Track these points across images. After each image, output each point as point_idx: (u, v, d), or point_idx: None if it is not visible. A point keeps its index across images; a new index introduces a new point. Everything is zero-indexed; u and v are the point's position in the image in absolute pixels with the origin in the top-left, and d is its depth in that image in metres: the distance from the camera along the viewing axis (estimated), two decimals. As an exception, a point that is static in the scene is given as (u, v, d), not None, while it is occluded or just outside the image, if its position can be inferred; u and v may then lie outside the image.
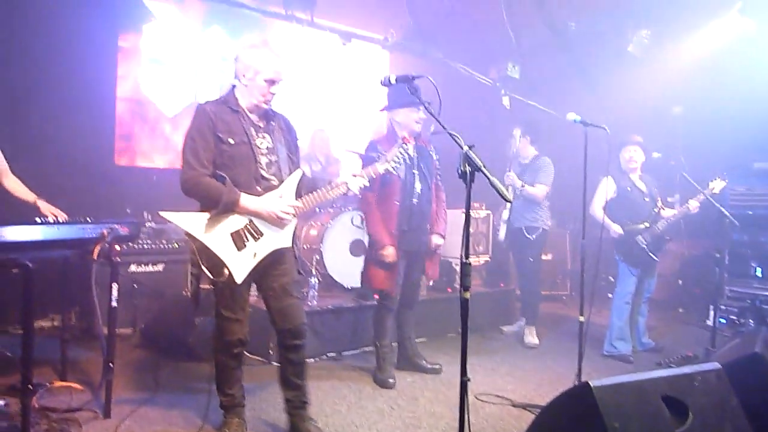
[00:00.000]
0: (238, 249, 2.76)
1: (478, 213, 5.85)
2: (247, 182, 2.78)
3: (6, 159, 3.73)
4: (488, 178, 2.10)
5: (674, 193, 6.41)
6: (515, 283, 5.98)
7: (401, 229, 3.87)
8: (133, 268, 4.83)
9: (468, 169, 2.09)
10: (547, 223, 5.28)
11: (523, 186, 5.12)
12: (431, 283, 5.23)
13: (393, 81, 2.62)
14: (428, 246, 4.07)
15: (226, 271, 2.73)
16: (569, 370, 4.27)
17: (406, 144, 3.03)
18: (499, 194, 2.06)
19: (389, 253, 3.82)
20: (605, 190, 4.77)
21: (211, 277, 2.75)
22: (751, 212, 5.87)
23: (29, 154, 4.57)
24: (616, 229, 4.80)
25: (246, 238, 2.77)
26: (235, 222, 2.77)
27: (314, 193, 2.89)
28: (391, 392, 3.82)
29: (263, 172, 2.82)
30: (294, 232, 2.94)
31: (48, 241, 3.04)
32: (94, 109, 5.75)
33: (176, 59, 6.42)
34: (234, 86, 2.89)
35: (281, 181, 2.88)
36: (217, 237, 2.74)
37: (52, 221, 3.37)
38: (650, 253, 4.76)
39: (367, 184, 2.98)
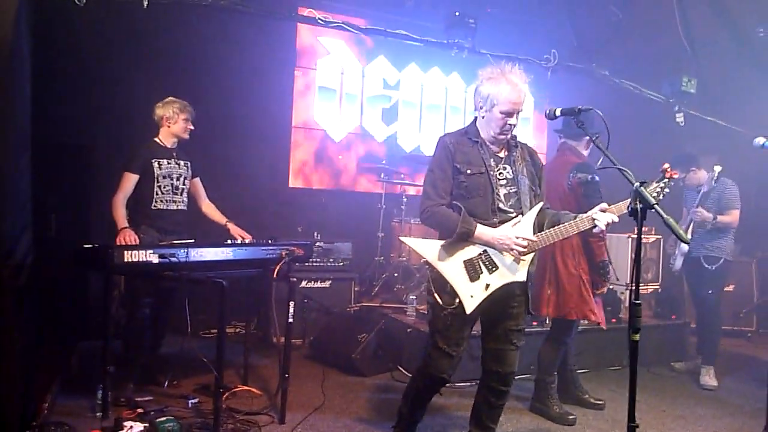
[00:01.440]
0: (471, 279, 2.73)
1: (647, 238, 5.47)
2: (483, 213, 2.75)
3: (203, 186, 4.29)
4: (662, 217, 2.00)
5: None
6: (690, 315, 5.49)
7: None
8: (303, 283, 5.23)
9: (639, 206, 2.01)
10: (730, 253, 4.79)
11: (715, 218, 4.69)
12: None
13: (558, 114, 2.58)
14: None
15: (457, 301, 2.73)
16: (755, 420, 3.83)
17: (670, 178, 2.54)
18: (676, 235, 1.96)
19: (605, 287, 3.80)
20: None
21: (441, 304, 2.75)
22: None
23: (217, 181, 5.21)
24: None
25: (480, 269, 2.73)
26: (469, 251, 2.75)
27: (556, 228, 2.72)
28: (551, 426, 3.71)
29: (500, 204, 2.76)
30: (529, 268, 2.79)
31: (237, 261, 3.46)
32: (272, 138, 6.39)
33: (344, 88, 6.89)
34: (476, 118, 2.91)
35: (521, 214, 2.77)
36: (451, 265, 2.75)
37: (239, 242, 3.81)
38: None
39: (617, 220, 2.64)
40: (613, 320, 5.21)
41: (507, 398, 2.93)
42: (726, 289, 6.11)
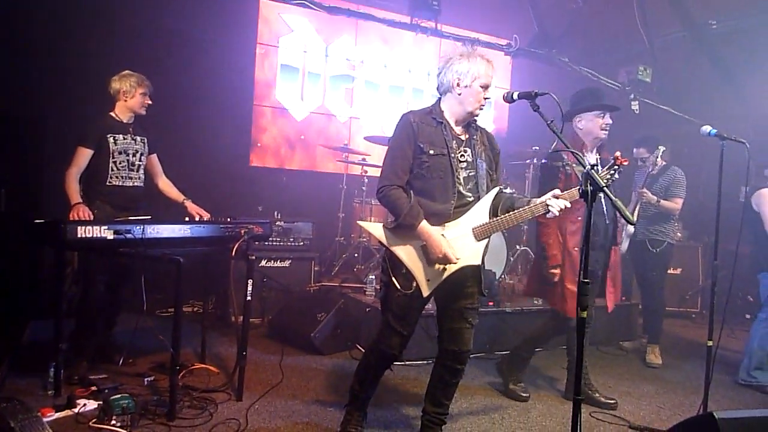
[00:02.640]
0: (429, 263, 2.75)
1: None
2: (442, 195, 2.76)
3: (161, 162, 4.21)
4: (611, 199, 2.08)
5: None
6: (636, 297, 5.71)
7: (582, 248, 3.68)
8: (263, 263, 5.21)
9: (590, 188, 2.08)
10: (673, 237, 4.99)
11: (658, 201, 4.87)
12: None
13: (515, 97, 2.62)
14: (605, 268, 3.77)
15: (414, 284, 2.75)
16: (695, 396, 4.04)
17: (620, 165, 2.64)
18: (623, 217, 2.03)
19: (556, 271, 3.63)
20: None
21: (399, 287, 2.76)
22: None
23: (175, 158, 5.11)
24: None
25: None
26: None
27: (510, 214, 2.75)
28: (504, 401, 3.83)
29: (460, 187, 2.78)
30: (484, 251, 2.83)
31: (195, 239, 3.42)
32: (233, 115, 6.29)
33: (307, 67, 6.83)
34: (439, 98, 2.89)
35: (478, 198, 2.82)
36: (409, 249, 2.77)
37: (197, 220, 3.77)
38: None
39: (569, 206, 2.69)
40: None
41: (461, 376, 2.99)
42: (673, 272, 6.39)
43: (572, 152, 2.23)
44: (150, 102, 3.97)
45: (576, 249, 3.62)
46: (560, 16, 6.88)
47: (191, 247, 3.55)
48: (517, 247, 6.03)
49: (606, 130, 3.63)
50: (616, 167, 2.64)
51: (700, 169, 5.14)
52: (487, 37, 6.41)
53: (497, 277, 5.29)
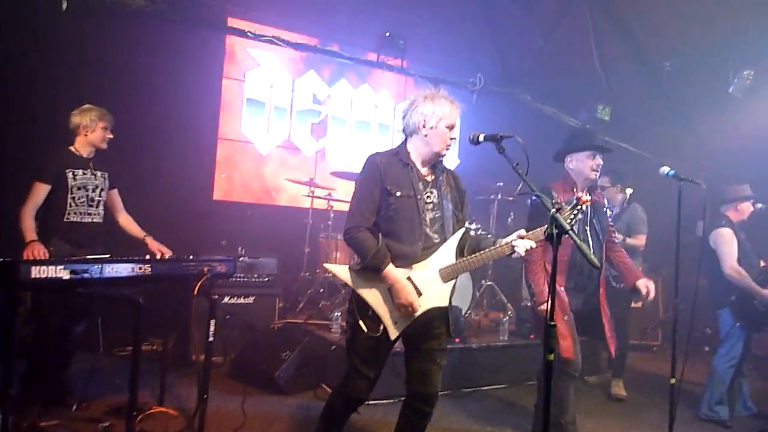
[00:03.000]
0: (396, 306, 2.73)
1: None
2: (409, 237, 2.75)
3: (122, 198, 4.11)
4: (575, 242, 2.11)
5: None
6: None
7: (567, 287, 3.59)
8: (226, 299, 5.09)
9: (555, 231, 2.11)
10: (637, 273, 5.09)
11: (624, 239, 4.96)
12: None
13: (481, 140, 2.65)
14: (601, 311, 3.67)
15: (381, 327, 2.73)
16: (660, 429, 4.07)
17: (581, 205, 2.67)
18: (587, 260, 2.06)
19: (543, 309, 3.43)
20: (734, 245, 4.43)
21: (366, 330, 2.73)
22: None
23: (137, 192, 5.00)
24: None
25: None
26: None
27: (477, 255, 2.76)
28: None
29: (426, 228, 2.77)
30: (452, 291, 2.84)
31: (155, 277, 3.31)
32: (197, 149, 6.23)
33: (273, 101, 6.83)
34: (405, 140, 2.89)
35: (444, 239, 2.81)
36: (375, 292, 2.75)
37: (158, 258, 3.67)
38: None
39: (534, 246, 2.69)
40: (531, 336, 5.41)
41: (430, 418, 2.94)
42: (634, 305, 6.48)
43: (537, 195, 2.26)
44: (111, 136, 3.89)
45: (563, 288, 3.56)
46: (523, 55, 7.09)
47: (152, 285, 3.44)
48: (483, 282, 6.06)
49: (597, 171, 3.60)
50: (578, 208, 2.67)
51: (658, 205, 5.27)
52: (452, 76, 6.54)
53: (463, 313, 5.29)
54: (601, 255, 3.68)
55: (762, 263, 4.58)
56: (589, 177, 3.63)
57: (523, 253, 2.66)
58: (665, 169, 3.36)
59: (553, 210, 2.11)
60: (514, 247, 2.67)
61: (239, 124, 6.63)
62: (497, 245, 2.73)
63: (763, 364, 5.97)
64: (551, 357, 2.10)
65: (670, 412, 3.23)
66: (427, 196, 2.81)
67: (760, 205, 4.61)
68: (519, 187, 2.43)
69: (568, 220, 2.58)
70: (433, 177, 2.88)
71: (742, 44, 6.33)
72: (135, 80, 5.49)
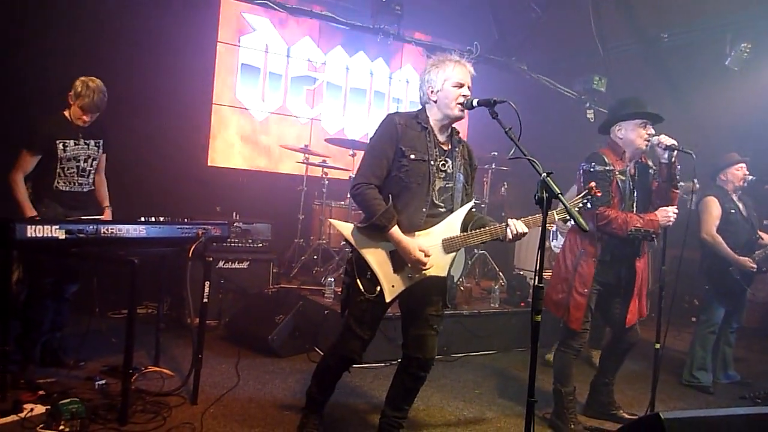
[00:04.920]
0: (395, 270, 2.74)
1: (551, 226, 5.75)
2: (416, 203, 2.73)
3: (109, 161, 4.05)
4: (565, 206, 2.14)
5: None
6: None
7: (603, 259, 3.47)
8: (220, 264, 5.14)
9: (545, 195, 2.13)
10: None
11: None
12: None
13: (474, 104, 2.66)
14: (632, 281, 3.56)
15: (378, 289, 2.74)
16: (643, 396, 4.17)
17: (593, 195, 2.70)
18: (577, 223, 2.09)
19: (660, 216, 3.35)
20: (715, 212, 4.54)
21: (362, 291, 2.74)
22: None
23: (133, 157, 4.98)
24: (744, 263, 4.44)
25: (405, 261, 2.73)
26: None
27: (475, 232, 2.74)
28: (460, 404, 3.88)
29: (434, 196, 2.76)
30: (452, 263, 2.83)
31: (150, 239, 3.34)
32: (192, 114, 6.18)
33: (268, 67, 6.78)
34: (424, 106, 2.87)
35: (451, 210, 2.81)
36: (377, 253, 2.76)
37: (154, 220, 3.68)
38: (744, 285, 4.54)
39: (526, 231, 2.63)
40: (522, 304, 5.49)
41: (423, 382, 3.00)
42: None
43: (529, 159, 2.28)
44: (87, 119, 3.71)
45: (594, 260, 3.48)
46: (520, 25, 7.03)
47: (146, 248, 3.47)
48: (475, 251, 6.12)
49: (649, 141, 3.41)
50: (589, 197, 2.73)
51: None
52: (448, 43, 6.48)
53: (455, 281, 5.36)
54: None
55: (762, 236, 4.65)
56: (641, 147, 3.45)
57: (511, 236, 2.63)
58: (656, 139, 3.38)
59: (544, 174, 2.13)
60: (508, 228, 2.64)
61: (234, 90, 6.59)
62: (495, 226, 2.72)
63: (749, 335, 6.09)
64: (538, 318, 2.14)
65: (653, 377, 3.31)
66: (442, 164, 2.78)
67: (750, 177, 4.65)
68: (511, 152, 2.46)
69: (577, 207, 2.67)
70: (449, 146, 2.85)
71: (741, 17, 6.29)
72: (128, 45, 5.42)
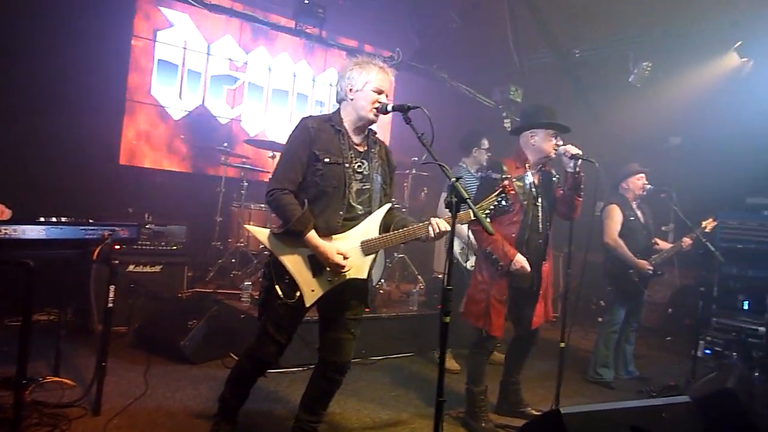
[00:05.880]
0: (314, 274, 2.72)
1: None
2: (333, 206, 2.72)
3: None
4: (472, 210, 2.21)
5: (668, 223, 6.55)
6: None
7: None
8: (130, 267, 4.92)
9: (454, 199, 2.19)
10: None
11: None
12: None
13: (389, 109, 2.69)
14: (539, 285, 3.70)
15: (297, 294, 2.71)
16: (552, 393, 4.34)
17: (506, 194, 2.78)
18: (484, 228, 2.16)
19: (519, 259, 3.47)
20: (617, 219, 4.83)
21: (281, 296, 2.71)
22: (740, 246, 5.98)
23: (39, 152, 4.68)
24: (643, 266, 4.75)
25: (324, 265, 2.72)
26: None
27: (397, 232, 2.76)
28: (376, 407, 3.90)
29: (351, 199, 2.74)
30: (372, 265, 2.85)
31: (50, 241, 3.15)
32: (103, 110, 5.89)
33: (187, 64, 6.58)
34: (339, 107, 2.86)
35: (369, 212, 2.80)
36: (295, 258, 2.72)
37: (55, 220, 3.47)
38: (641, 287, 4.86)
39: (448, 228, 2.64)
40: (439, 306, 5.58)
41: (340, 386, 3.00)
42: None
43: (440, 165, 2.33)
44: None
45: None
46: (440, 34, 7.19)
47: (46, 250, 3.27)
48: (395, 254, 6.18)
49: (557, 149, 3.56)
50: (502, 195, 2.81)
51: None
52: (371, 49, 6.55)
53: (374, 283, 5.39)
54: (548, 231, 3.73)
55: (657, 242, 5.01)
56: (549, 155, 3.61)
57: (432, 235, 2.67)
58: (563, 148, 3.55)
59: (453, 179, 2.19)
60: (430, 227, 2.67)
61: (149, 87, 6.34)
62: (417, 225, 2.75)
63: (647, 334, 6.52)
64: (447, 319, 2.19)
65: (558, 374, 3.46)
66: (357, 166, 2.78)
67: (649, 186, 4.97)
68: (423, 157, 2.50)
69: (491, 206, 2.74)
70: (365, 148, 2.86)
71: (643, 37, 6.75)
72: (35, 35, 5.11)
